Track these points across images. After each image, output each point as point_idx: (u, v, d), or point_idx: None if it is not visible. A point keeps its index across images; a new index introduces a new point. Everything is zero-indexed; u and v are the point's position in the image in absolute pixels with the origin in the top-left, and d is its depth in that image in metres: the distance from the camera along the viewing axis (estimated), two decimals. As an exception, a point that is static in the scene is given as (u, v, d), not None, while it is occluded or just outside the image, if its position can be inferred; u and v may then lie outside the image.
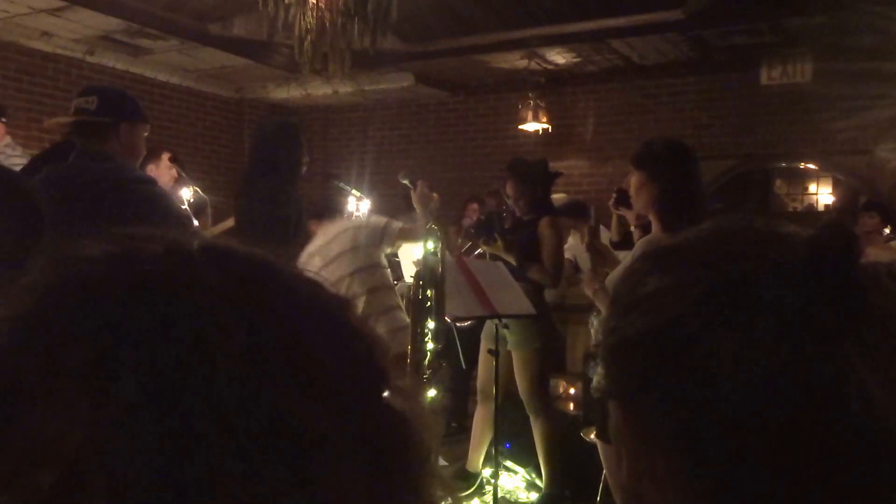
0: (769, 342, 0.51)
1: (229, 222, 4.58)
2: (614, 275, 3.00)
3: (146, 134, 2.71)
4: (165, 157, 4.35)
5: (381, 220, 3.86)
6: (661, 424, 0.55)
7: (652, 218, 2.85)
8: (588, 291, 3.05)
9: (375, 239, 3.74)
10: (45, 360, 0.34)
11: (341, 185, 4.21)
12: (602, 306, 2.97)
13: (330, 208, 4.05)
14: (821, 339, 0.51)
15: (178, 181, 4.34)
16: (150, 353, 0.34)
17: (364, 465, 0.38)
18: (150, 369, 0.33)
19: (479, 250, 4.32)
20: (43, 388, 0.34)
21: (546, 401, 4.13)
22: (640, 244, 2.87)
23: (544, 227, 4.06)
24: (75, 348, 0.34)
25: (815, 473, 0.51)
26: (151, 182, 2.58)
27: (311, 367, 0.38)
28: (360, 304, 3.58)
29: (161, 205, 2.50)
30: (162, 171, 4.21)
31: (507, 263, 3.96)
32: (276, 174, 4.03)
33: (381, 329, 3.48)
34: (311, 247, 3.82)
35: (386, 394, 0.41)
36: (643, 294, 0.57)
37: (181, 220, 2.71)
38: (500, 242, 4.02)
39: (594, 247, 3.50)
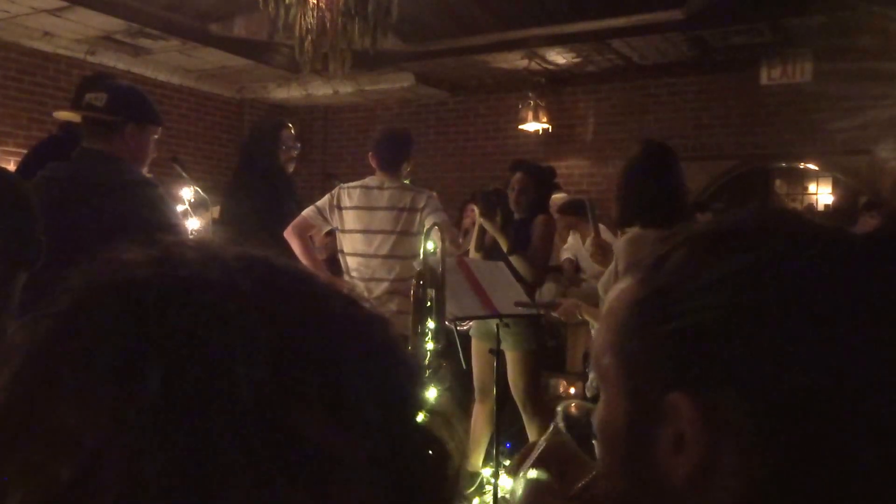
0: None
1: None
2: (605, 278, 3.00)
3: (156, 136, 2.60)
4: None
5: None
6: (743, 413, 0.52)
7: (623, 212, 2.92)
8: (576, 315, 3.06)
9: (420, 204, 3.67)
10: (77, 355, 0.35)
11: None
12: (592, 318, 2.96)
13: None
14: None
15: (179, 181, 4.35)
16: (179, 357, 0.34)
17: (387, 490, 0.38)
18: (176, 373, 0.34)
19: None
20: (72, 381, 0.35)
21: (541, 401, 4.13)
22: (624, 241, 2.88)
23: (539, 223, 4.07)
24: (107, 346, 0.35)
25: None
26: (152, 185, 2.49)
27: (338, 387, 0.37)
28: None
29: (160, 209, 2.43)
30: None
31: (501, 257, 3.95)
32: (253, 173, 4.04)
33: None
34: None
35: (419, 418, 0.41)
36: (710, 279, 0.55)
37: (178, 225, 2.65)
38: (499, 218, 4.00)
39: (597, 240, 3.50)
